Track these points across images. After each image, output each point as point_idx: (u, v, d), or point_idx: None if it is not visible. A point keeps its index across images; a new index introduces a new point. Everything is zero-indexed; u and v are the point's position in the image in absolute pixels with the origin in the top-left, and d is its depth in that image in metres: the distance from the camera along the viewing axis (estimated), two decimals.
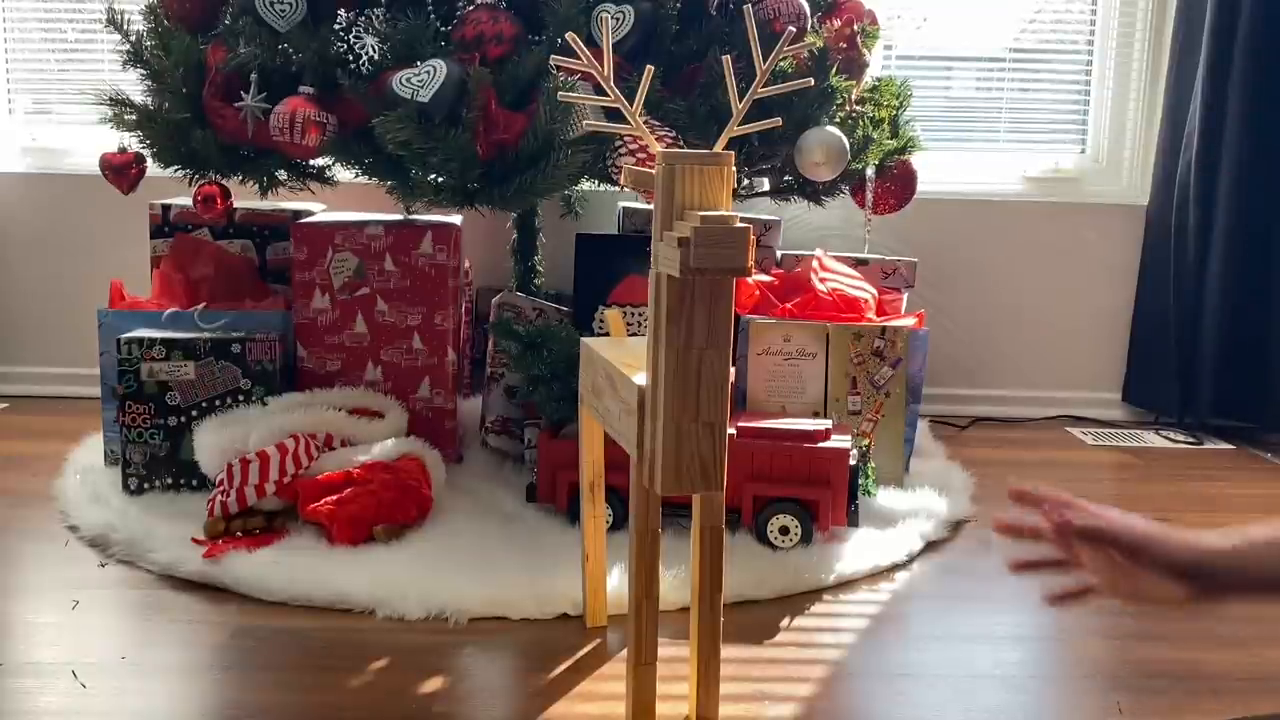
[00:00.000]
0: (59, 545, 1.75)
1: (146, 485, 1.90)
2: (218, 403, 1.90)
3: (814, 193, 2.13)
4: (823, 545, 1.73)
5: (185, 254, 2.16)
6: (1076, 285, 2.73)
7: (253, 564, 1.60)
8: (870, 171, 2.09)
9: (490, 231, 2.47)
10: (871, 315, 2.12)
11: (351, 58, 1.76)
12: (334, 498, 1.70)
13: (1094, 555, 0.94)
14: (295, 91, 1.78)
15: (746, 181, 2.12)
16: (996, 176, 2.75)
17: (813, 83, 1.39)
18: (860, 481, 1.87)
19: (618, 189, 2.18)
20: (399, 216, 2.12)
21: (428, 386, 2.04)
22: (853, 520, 1.76)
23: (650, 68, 1.16)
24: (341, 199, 2.31)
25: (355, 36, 1.76)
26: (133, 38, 1.96)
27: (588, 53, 1.15)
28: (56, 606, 1.54)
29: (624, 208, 2.42)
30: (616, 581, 1.55)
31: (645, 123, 1.43)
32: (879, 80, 2.14)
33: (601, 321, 2.07)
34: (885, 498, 1.95)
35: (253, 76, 1.81)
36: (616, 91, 1.16)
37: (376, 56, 1.75)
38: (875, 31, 2.06)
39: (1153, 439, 2.58)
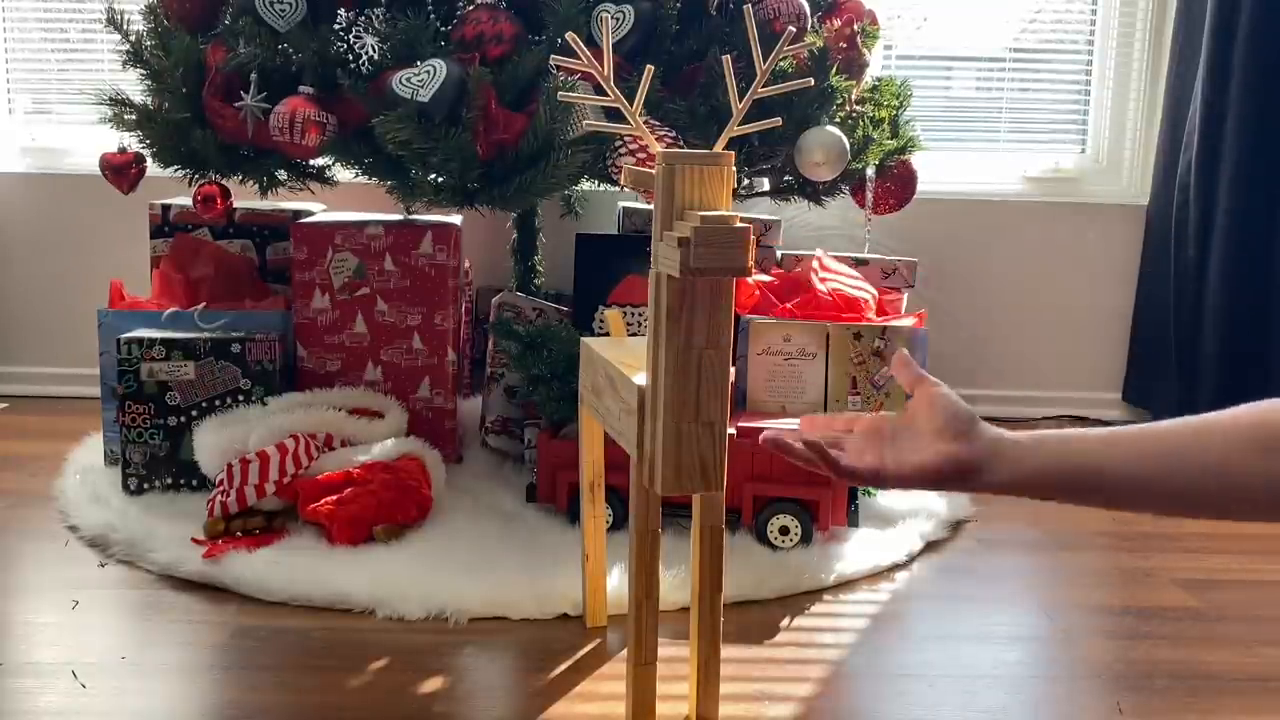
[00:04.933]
0: (59, 545, 1.75)
1: (146, 485, 1.90)
2: (218, 403, 1.90)
3: (814, 193, 2.13)
4: (823, 545, 1.73)
5: (185, 254, 2.16)
6: (1076, 285, 2.73)
7: (253, 564, 1.60)
8: (870, 171, 2.09)
9: (490, 231, 2.47)
10: (871, 315, 2.12)
11: (351, 58, 1.76)
12: (334, 498, 1.70)
13: (864, 433, 0.92)
14: (295, 91, 1.78)
15: (746, 181, 2.12)
16: (996, 176, 2.75)
17: (813, 83, 1.39)
18: None
19: (618, 189, 2.18)
20: (399, 216, 2.12)
21: (428, 386, 2.04)
22: (853, 520, 1.76)
23: (650, 68, 1.16)
24: (341, 199, 2.31)
25: (355, 36, 1.76)
26: (133, 38, 1.96)
27: (588, 53, 1.15)
28: (56, 606, 1.54)
29: (624, 208, 2.42)
30: (616, 581, 1.55)
31: (645, 123, 1.43)
32: (879, 80, 2.14)
33: (601, 321, 2.07)
34: (885, 498, 1.95)
35: (253, 76, 1.81)
36: (616, 91, 1.16)
37: (376, 56, 1.75)
38: (875, 31, 2.06)
39: None
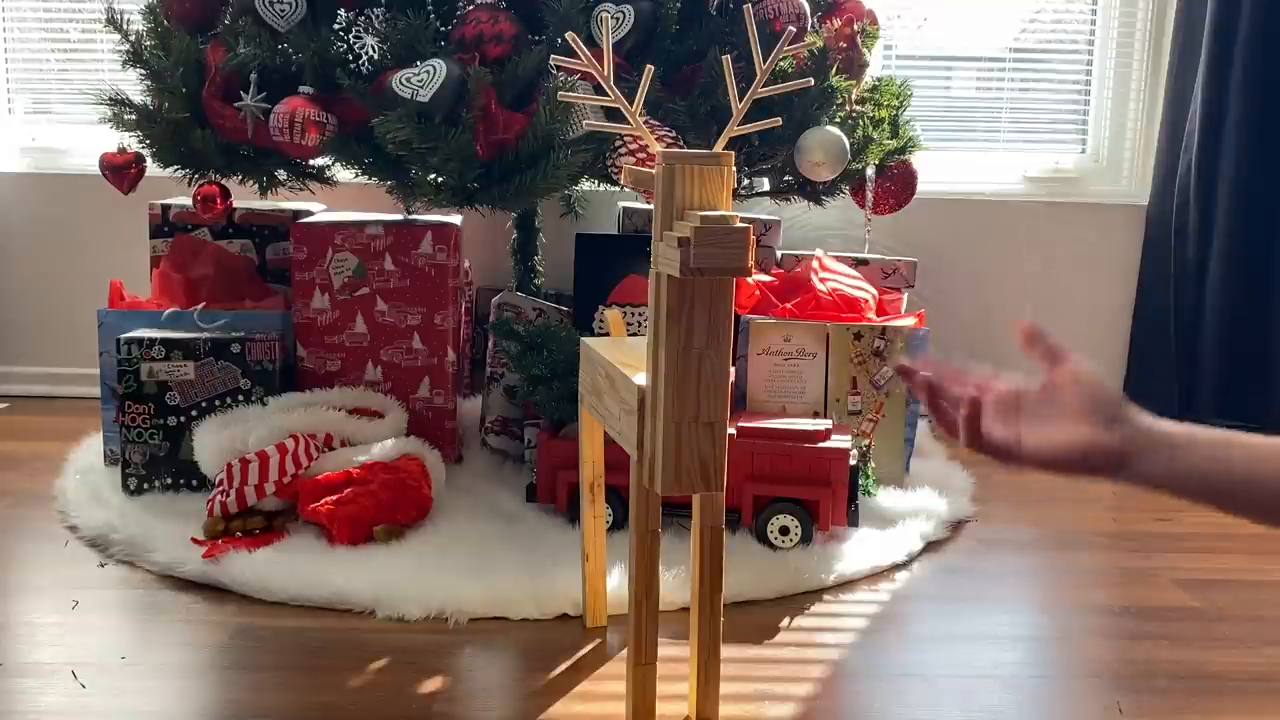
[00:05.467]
0: (59, 545, 1.75)
1: (146, 485, 1.90)
2: (217, 403, 1.90)
3: (814, 193, 2.13)
4: (823, 545, 1.73)
5: (185, 254, 2.16)
6: (1076, 285, 2.73)
7: (253, 564, 1.60)
8: (870, 171, 2.09)
9: (490, 231, 2.47)
10: (871, 315, 2.12)
11: (351, 58, 1.76)
12: (334, 498, 1.70)
13: (1000, 400, 0.85)
14: (295, 91, 1.78)
15: (746, 181, 2.12)
16: (996, 176, 2.75)
17: (813, 83, 1.39)
18: (860, 481, 1.87)
19: (618, 189, 2.18)
20: (399, 216, 2.12)
21: (428, 386, 2.04)
22: (853, 520, 1.76)
23: (650, 68, 1.16)
24: (341, 199, 2.31)
25: (355, 36, 1.77)
26: (132, 38, 1.96)
27: (588, 53, 1.15)
28: (56, 606, 1.54)
29: (624, 208, 2.42)
30: (616, 581, 1.55)
31: (645, 123, 1.43)
32: (879, 80, 2.14)
33: (601, 321, 2.07)
34: (885, 498, 1.95)
35: (252, 76, 1.81)
36: (616, 91, 1.16)
37: (376, 56, 1.75)
38: (875, 31, 2.06)
39: None
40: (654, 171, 1.07)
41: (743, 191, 2.15)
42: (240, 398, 1.90)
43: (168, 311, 2.01)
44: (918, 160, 2.16)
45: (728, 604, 1.32)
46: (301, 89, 1.79)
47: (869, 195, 2.12)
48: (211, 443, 1.79)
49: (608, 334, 1.40)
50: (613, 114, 1.23)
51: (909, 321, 2.10)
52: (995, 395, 0.87)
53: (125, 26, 1.96)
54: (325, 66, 1.78)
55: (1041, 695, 1.37)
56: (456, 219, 2.12)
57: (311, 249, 2.02)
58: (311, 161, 2.00)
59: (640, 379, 1.13)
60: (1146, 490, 0.80)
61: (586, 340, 1.36)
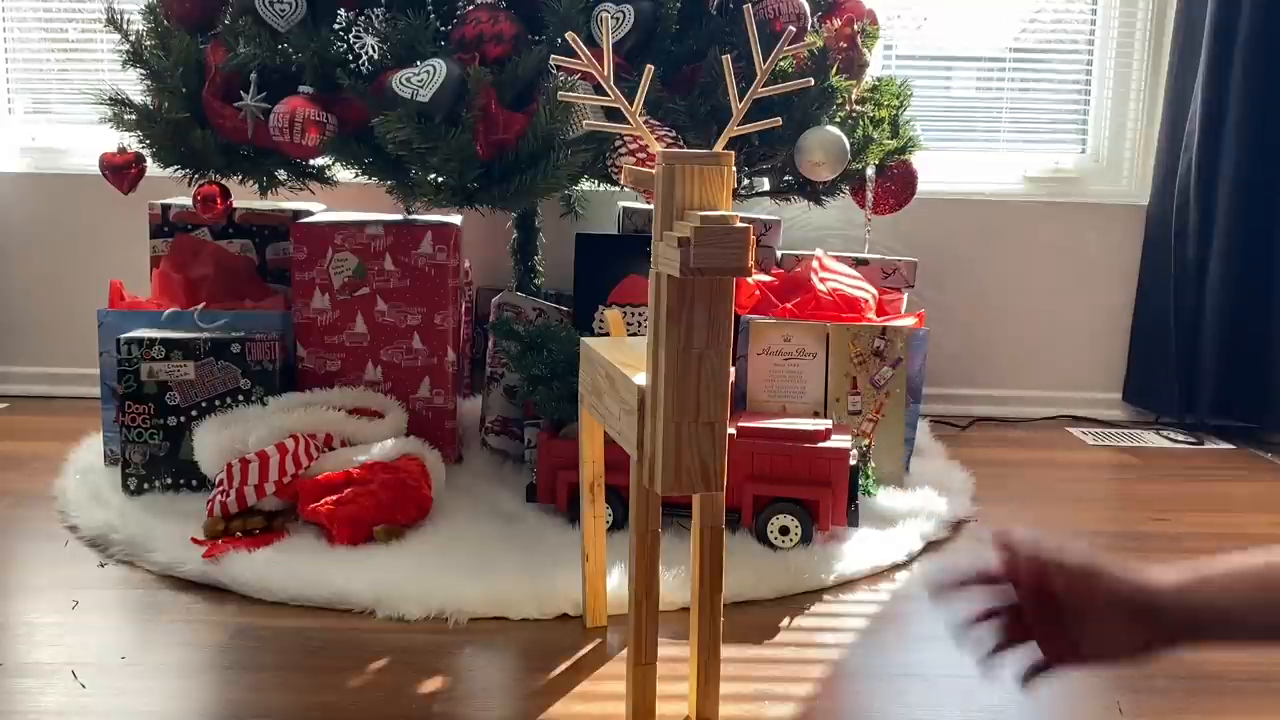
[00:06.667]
0: (59, 545, 1.75)
1: (146, 485, 1.90)
2: (217, 403, 1.90)
3: (814, 193, 2.13)
4: (823, 545, 1.73)
5: (185, 254, 2.16)
6: (1076, 285, 2.73)
7: (253, 564, 1.60)
8: (870, 171, 2.09)
9: (490, 231, 2.47)
10: (871, 315, 2.12)
11: (351, 58, 1.76)
12: (334, 498, 1.70)
13: (1040, 614, 0.90)
14: (295, 91, 1.78)
15: (746, 181, 2.12)
16: (996, 176, 2.75)
17: (813, 83, 1.39)
18: (860, 481, 1.87)
19: (618, 189, 2.18)
20: (399, 216, 2.12)
21: (428, 386, 2.04)
22: (853, 520, 1.76)
23: (650, 67, 1.16)
24: (341, 199, 2.31)
25: (355, 36, 1.77)
26: (132, 38, 1.96)
27: (588, 53, 1.15)
28: (56, 606, 1.54)
29: (624, 208, 2.42)
30: (616, 581, 1.55)
31: (645, 123, 1.43)
32: (879, 80, 2.14)
33: (601, 321, 2.07)
34: (885, 498, 1.95)
35: (252, 76, 1.81)
36: (616, 91, 1.16)
37: (376, 56, 1.75)
38: (875, 31, 2.06)
39: (1153, 439, 2.58)
40: (654, 171, 1.07)
41: (743, 191, 2.15)
42: (240, 398, 1.90)
43: (168, 311, 2.01)
44: (918, 160, 2.16)
45: (728, 604, 1.32)
46: (301, 89, 1.79)
47: (869, 195, 2.12)
48: (211, 443, 1.79)
49: (608, 334, 1.40)
50: (613, 114, 1.23)
51: (909, 321, 2.10)
52: (1029, 606, 0.91)
53: (125, 26, 1.96)
54: (325, 66, 1.78)
55: (1042, 695, 1.37)
56: (456, 219, 2.12)
57: (311, 249, 2.02)
58: (311, 161, 2.00)
59: (640, 379, 1.13)
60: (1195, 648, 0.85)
61: (586, 340, 1.36)
